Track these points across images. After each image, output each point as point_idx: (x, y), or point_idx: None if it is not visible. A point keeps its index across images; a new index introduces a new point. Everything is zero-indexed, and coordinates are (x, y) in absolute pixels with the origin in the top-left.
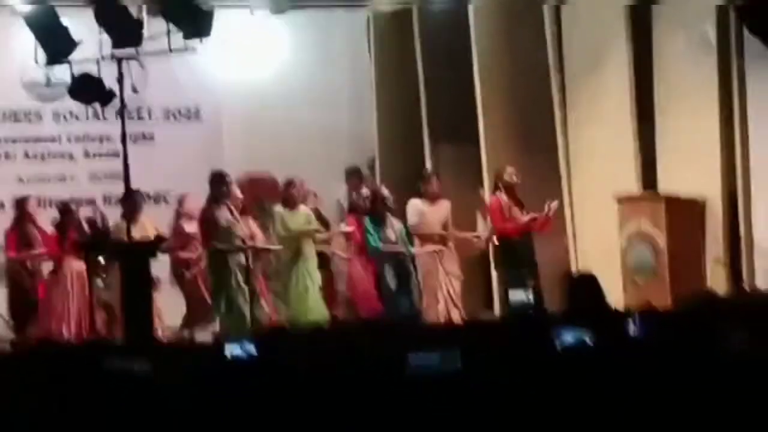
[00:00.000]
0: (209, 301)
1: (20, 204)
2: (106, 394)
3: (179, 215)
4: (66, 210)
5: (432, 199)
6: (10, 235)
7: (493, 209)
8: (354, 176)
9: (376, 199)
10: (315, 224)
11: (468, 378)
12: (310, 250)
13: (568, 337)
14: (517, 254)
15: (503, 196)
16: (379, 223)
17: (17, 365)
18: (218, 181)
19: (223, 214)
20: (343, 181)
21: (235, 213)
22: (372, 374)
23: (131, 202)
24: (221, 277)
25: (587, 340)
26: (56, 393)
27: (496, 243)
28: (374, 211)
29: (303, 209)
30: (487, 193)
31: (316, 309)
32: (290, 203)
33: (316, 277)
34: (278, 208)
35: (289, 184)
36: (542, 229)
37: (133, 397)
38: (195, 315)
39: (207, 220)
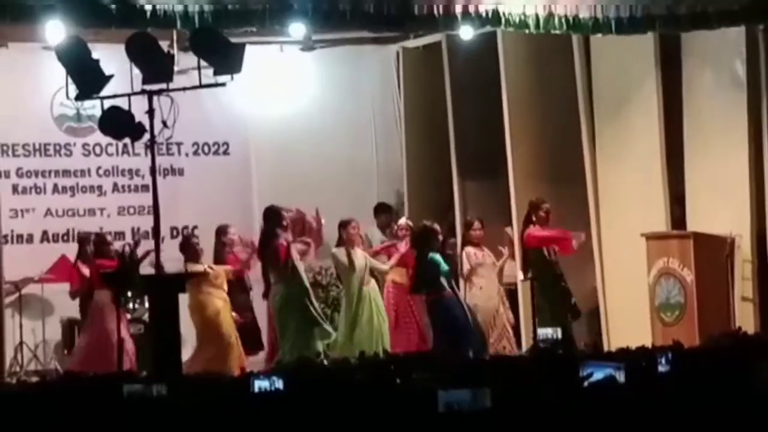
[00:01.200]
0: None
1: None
2: (130, 426)
3: (225, 245)
4: (100, 242)
5: (478, 244)
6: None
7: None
8: (383, 212)
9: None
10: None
11: (497, 415)
12: (375, 287)
13: (596, 374)
14: (546, 292)
15: (536, 230)
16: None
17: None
18: (276, 214)
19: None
20: (371, 215)
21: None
22: (402, 410)
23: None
24: (295, 309)
25: (615, 377)
26: (80, 426)
27: (522, 279)
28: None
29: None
30: (515, 231)
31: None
32: (350, 242)
33: (384, 313)
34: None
35: (349, 223)
36: (565, 248)
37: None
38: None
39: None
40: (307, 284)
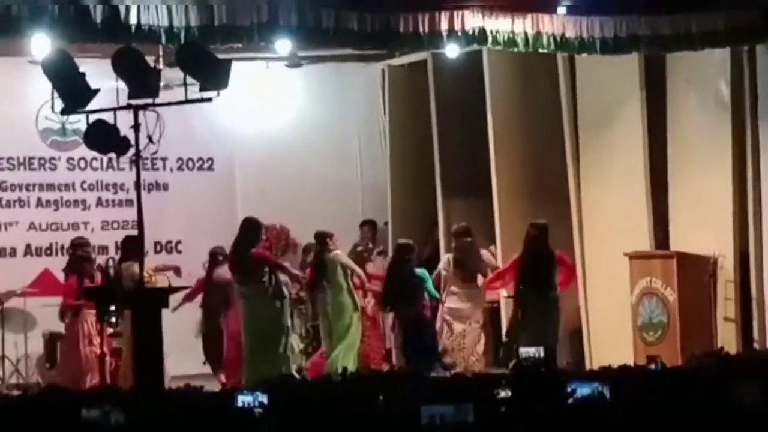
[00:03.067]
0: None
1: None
2: None
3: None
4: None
5: None
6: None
7: None
8: (366, 225)
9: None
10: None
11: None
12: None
13: (580, 392)
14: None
15: None
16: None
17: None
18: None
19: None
20: (355, 231)
21: None
22: (385, 427)
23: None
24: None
25: (598, 395)
26: None
27: (506, 296)
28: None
29: None
30: (499, 249)
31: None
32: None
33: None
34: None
35: (332, 235)
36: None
37: None
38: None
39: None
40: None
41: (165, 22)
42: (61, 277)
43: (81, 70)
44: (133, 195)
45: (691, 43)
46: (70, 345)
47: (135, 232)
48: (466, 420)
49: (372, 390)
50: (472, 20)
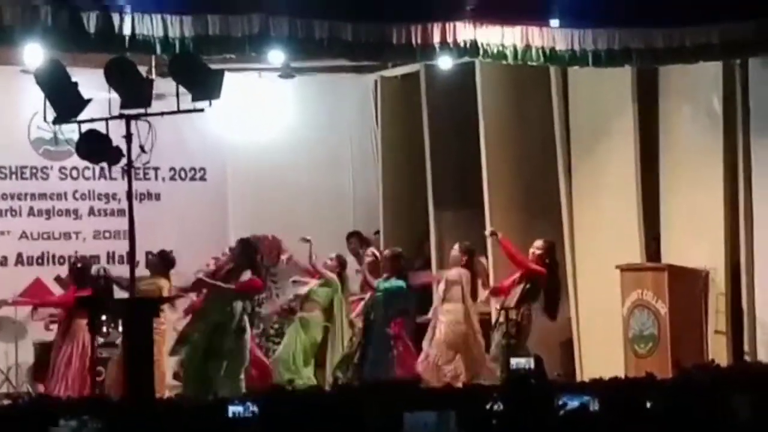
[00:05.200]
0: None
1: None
2: None
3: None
4: (76, 267)
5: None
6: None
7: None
8: (352, 237)
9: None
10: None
11: None
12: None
13: (569, 404)
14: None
15: None
16: None
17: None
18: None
19: None
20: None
21: None
22: None
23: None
24: None
25: (587, 407)
26: None
27: (498, 308)
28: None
29: None
30: (490, 262)
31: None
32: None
33: None
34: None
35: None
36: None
37: None
38: None
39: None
40: None
41: (160, 33)
42: (52, 285)
43: (73, 79)
44: (125, 205)
45: (685, 56)
46: (67, 355)
47: (126, 242)
48: (449, 427)
49: (360, 399)
50: (464, 32)
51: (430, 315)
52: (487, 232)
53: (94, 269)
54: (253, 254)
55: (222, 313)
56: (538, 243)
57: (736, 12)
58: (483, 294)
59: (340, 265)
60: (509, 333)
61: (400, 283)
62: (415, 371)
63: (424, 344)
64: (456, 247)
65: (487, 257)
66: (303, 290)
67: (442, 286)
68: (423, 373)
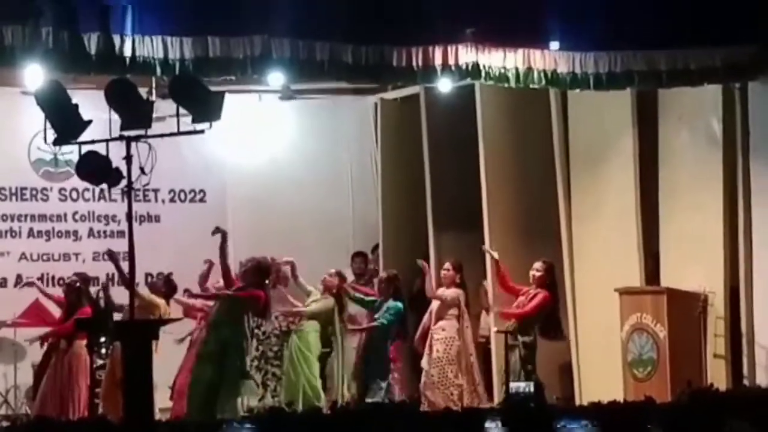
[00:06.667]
0: None
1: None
2: None
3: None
4: (76, 289)
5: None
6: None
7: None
8: (357, 257)
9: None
10: None
11: None
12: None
13: (568, 427)
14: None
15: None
16: None
17: None
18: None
19: None
20: (347, 264)
21: None
22: None
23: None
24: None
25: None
26: None
27: (497, 330)
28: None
29: None
30: (489, 284)
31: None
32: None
33: None
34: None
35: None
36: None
37: None
38: None
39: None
40: None
41: (160, 54)
42: (51, 307)
43: (74, 101)
44: (124, 226)
45: (688, 79)
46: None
47: (126, 264)
48: None
49: (360, 422)
50: (466, 55)
51: (425, 320)
52: (485, 248)
53: (93, 291)
54: (265, 276)
55: (230, 327)
56: (538, 264)
57: (738, 35)
58: (489, 317)
59: (340, 280)
60: (523, 358)
61: (398, 305)
62: (414, 394)
63: (423, 364)
64: (447, 266)
65: (486, 277)
66: (297, 309)
67: (436, 304)
68: (431, 396)
